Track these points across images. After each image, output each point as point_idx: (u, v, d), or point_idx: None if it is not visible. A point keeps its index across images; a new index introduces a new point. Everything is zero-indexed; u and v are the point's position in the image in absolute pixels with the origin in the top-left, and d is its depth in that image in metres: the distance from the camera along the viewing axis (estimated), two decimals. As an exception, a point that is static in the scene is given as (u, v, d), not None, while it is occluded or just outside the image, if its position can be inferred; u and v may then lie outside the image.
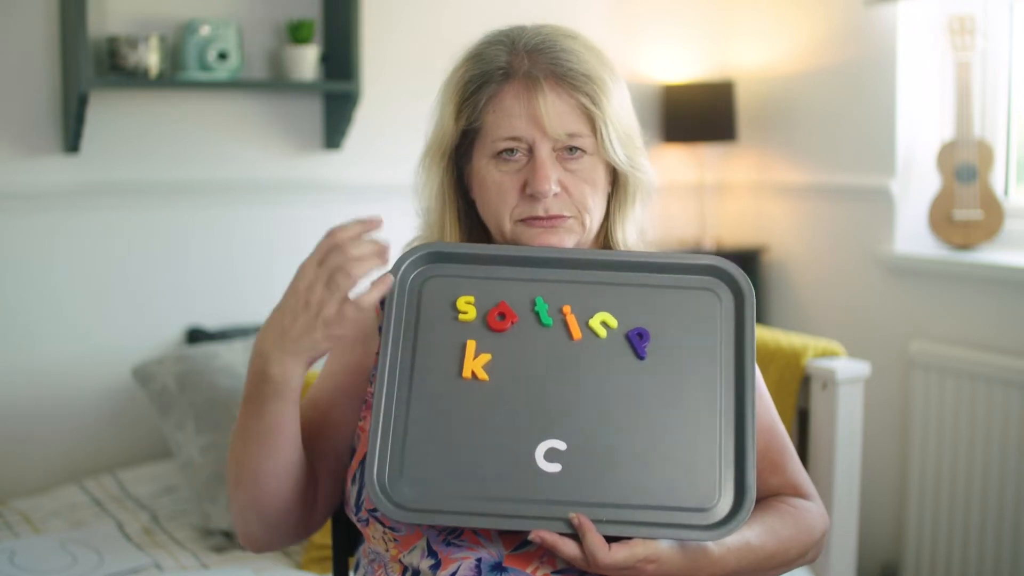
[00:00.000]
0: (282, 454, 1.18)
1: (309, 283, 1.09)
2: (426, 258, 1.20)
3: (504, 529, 1.14)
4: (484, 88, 1.23)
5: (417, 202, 1.32)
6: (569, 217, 1.23)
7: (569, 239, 1.23)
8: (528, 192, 1.21)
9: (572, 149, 1.22)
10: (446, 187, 1.28)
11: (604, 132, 1.22)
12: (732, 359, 1.16)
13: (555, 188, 1.21)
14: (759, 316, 3.39)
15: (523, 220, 1.22)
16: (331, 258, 1.08)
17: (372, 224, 1.10)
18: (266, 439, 1.16)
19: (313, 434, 1.26)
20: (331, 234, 1.09)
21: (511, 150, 1.22)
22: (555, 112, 1.20)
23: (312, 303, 1.09)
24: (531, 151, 1.21)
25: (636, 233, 1.31)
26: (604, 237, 1.31)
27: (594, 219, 1.25)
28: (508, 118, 1.21)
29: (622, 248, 1.29)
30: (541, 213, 1.21)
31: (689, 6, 3.42)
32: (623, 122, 1.25)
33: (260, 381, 1.14)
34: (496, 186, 1.23)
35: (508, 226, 1.23)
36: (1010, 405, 2.63)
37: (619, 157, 1.24)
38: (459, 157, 1.28)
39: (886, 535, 3.02)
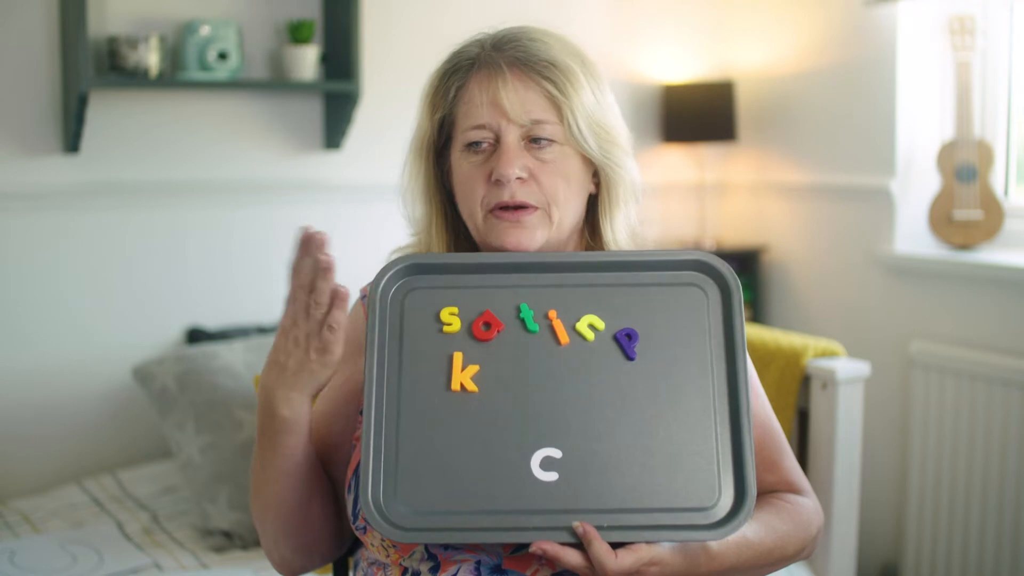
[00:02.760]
0: (303, 485, 1.20)
1: (292, 320, 1.12)
2: (405, 271, 1.17)
3: (504, 542, 1.13)
4: (453, 79, 1.24)
5: (405, 209, 1.32)
6: (535, 208, 1.21)
7: (538, 234, 1.21)
8: (493, 178, 1.20)
9: (538, 140, 1.22)
10: (430, 187, 1.29)
11: (571, 120, 1.21)
12: (723, 354, 1.14)
13: (519, 173, 1.20)
14: (760, 316, 3.39)
15: (492, 212, 1.22)
16: (299, 295, 1.11)
17: (311, 244, 1.10)
18: (285, 473, 1.18)
19: (323, 456, 1.27)
20: (294, 272, 1.11)
21: (478, 142, 1.22)
22: (517, 98, 1.20)
23: (300, 339, 1.12)
24: (497, 140, 1.21)
25: (627, 233, 1.30)
26: (592, 238, 1.30)
27: (564, 213, 1.23)
28: (473, 107, 1.22)
29: (614, 249, 1.28)
30: (507, 198, 1.20)
31: (689, 6, 3.42)
32: (596, 117, 1.24)
33: (269, 419, 1.16)
34: (466, 177, 1.23)
35: (480, 217, 1.22)
36: (1010, 405, 2.63)
37: (590, 147, 1.23)
38: (440, 157, 1.28)
39: (886, 535, 3.02)
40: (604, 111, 1.25)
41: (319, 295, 1.10)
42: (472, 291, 1.17)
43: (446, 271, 1.17)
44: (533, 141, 1.22)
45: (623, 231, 1.29)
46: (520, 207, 1.21)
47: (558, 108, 1.22)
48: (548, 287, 1.17)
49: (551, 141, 1.22)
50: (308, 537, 1.25)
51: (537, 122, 1.21)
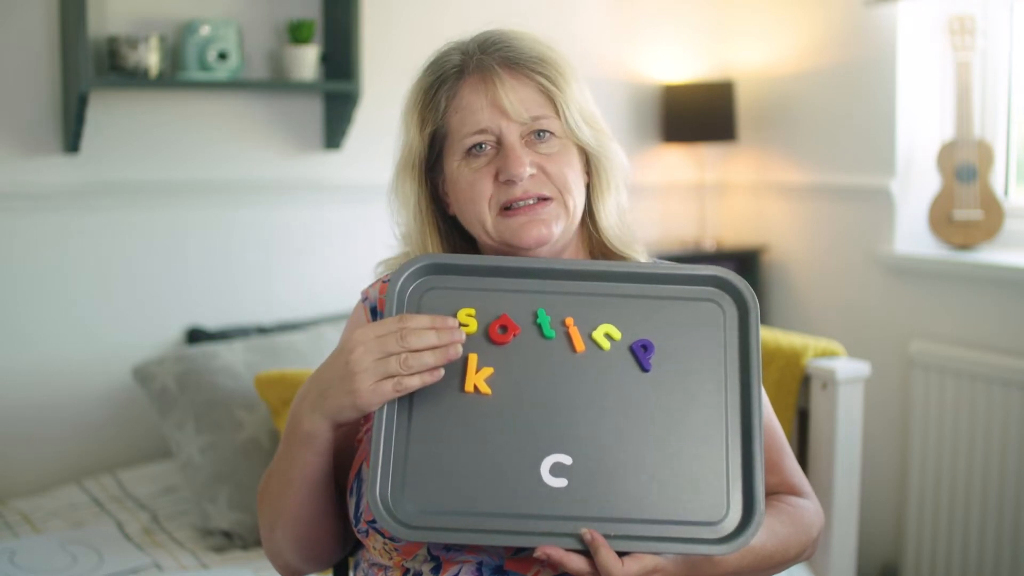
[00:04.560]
0: (318, 500, 1.21)
1: (360, 352, 1.07)
2: (425, 269, 1.17)
3: (511, 546, 1.13)
4: (441, 89, 1.23)
5: (395, 227, 1.32)
6: (551, 200, 1.22)
7: (555, 228, 1.22)
8: (503, 179, 1.20)
9: (540, 133, 1.22)
10: (423, 203, 1.28)
11: (566, 112, 1.22)
12: (737, 370, 1.14)
13: (530, 170, 1.21)
14: (760, 316, 3.39)
15: (504, 212, 1.21)
16: (389, 341, 1.07)
17: (444, 326, 1.08)
18: (301, 485, 1.18)
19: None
20: (401, 318, 1.08)
21: (480, 144, 1.22)
22: (516, 97, 1.21)
23: (352, 372, 1.07)
24: (499, 142, 1.21)
25: (617, 219, 1.30)
26: (586, 226, 1.30)
27: (577, 202, 1.24)
28: (471, 113, 1.21)
29: (604, 236, 1.29)
30: (519, 194, 1.20)
31: (689, 6, 3.42)
32: (585, 106, 1.25)
33: (293, 429, 1.16)
34: (470, 183, 1.22)
35: (489, 220, 1.22)
36: (1010, 405, 2.63)
37: (586, 137, 1.24)
38: (432, 171, 1.28)
39: (886, 535, 3.02)
40: (589, 101, 1.27)
41: (408, 358, 1.06)
42: (490, 294, 1.16)
43: (466, 272, 1.17)
44: (536, 136, 1.22)
45: (613, 214, 1.30)
46: (539, 200, 1.21)
47: (553, 102, 1.22)
48: (566, 294, 1.16)
49: (551, 134, 1.23)
50: (316, 546, 1.26)
51: (536, 118, 1.22)
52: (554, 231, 1.22)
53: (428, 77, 1.25)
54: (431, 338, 1.07)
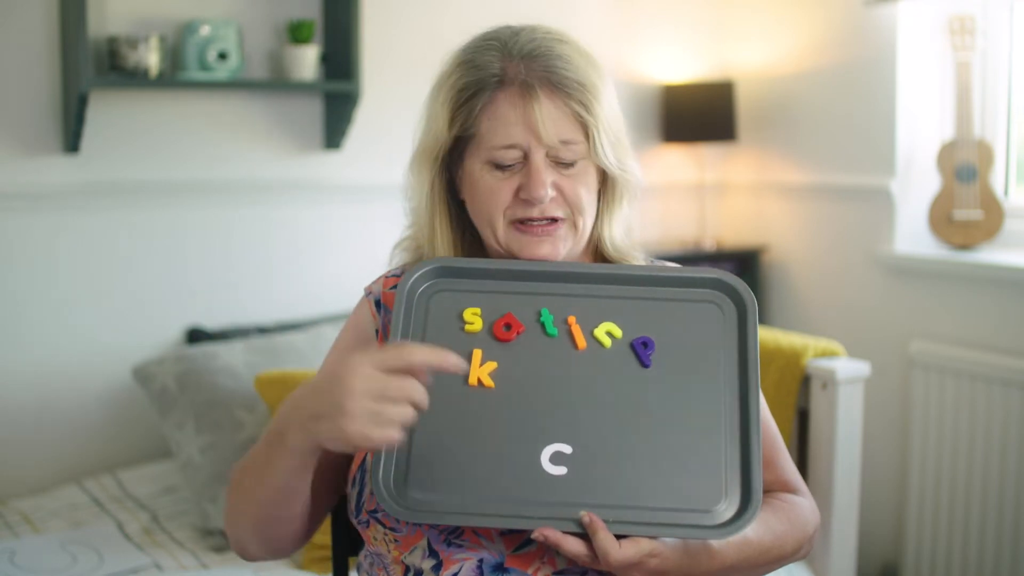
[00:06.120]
0: (293, 503, 1.19)
1: (356, 388, 1.02)
2: (434, 272, 1.21)
3: (509, 528, 1.14)
4: (479, 95, 1.22)
5: (406, 202, 1.33)
6: (562, 220, 1.24)
7: (562, 246, 1.24)
8: (523, 197, 1.22)
9: (566, 160, 1.23)
10: (437, 189, 1.29)
11: (597, 139, 1.23)
12: (736, 366, 1.17)
13: (551, 193, 1.22)
14: (760, 316, 3.39)
15: (516, 225, 1.23)
16: (390, 385, 1.02)
17: (445, 363, 1.04)
18: (279, 491, 1.17)
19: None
20: (407, 353, 1.04)
21: (509, 164, 1.22)
22: (550, 120, 1.21)
23: (344, 411, 1.02)
24: (525, 157, 1.22)
25: (623, 231, 1.32)
26: (591, 236, 1.31)
27: (587, 222, 1.26)
28: (504, 126, 1.21)
29: (608, 246, 1.31)
30: (536, 215, 1.22)
31: (689, 6, 3.42)
32: (613, 126, 1.26)
33: (279, 441, 1.12)
34: (489, 190, 1.23)
35: (501, 228, 1.23)
36: (1010, 405, 2.63)
37: (611, 162, 1.25)
38: (450, 159, 1.28)
39: (886, 535, 3.02)
40: (617, 117, 1.27)
41: (399, 411, 1.02)
42: (496, 295, 1.20)
43: (473, 275, 1.21)
44: (559, 160, 1.23)
45: (620, 227, 1.32)
46: (551, 221, 1.23)
47: (584, 127, 1.22)
48: (570, 296, 1.21)
49: (576, 158, 1.23)
50: (278, 540, 1.25)
51: (566, 143, 1.22)
52: (560, 250, 1.24)
53: (466, 76, 1.23)
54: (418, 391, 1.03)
